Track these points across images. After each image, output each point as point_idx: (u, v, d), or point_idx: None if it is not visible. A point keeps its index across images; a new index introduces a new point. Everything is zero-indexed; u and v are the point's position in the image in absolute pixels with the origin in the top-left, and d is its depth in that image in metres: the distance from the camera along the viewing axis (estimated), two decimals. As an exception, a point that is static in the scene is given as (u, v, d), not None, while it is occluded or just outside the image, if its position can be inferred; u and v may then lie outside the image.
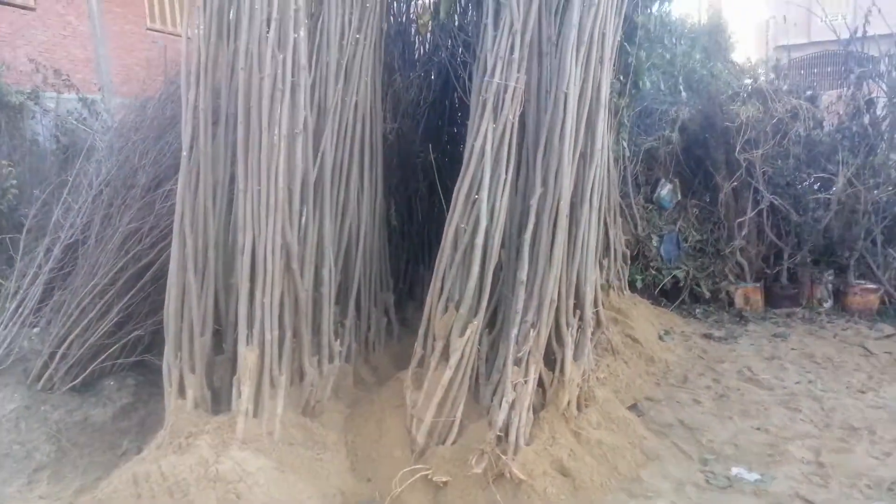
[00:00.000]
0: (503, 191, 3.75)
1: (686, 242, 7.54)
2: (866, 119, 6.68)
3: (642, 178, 7.75)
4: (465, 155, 3.80)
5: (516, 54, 3.67)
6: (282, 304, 3.48)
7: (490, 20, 3.82)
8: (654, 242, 7.48)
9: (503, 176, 3.74)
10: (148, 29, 11.88)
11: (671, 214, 7.67)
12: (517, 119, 3.76)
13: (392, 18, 5.64)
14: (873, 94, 6.97)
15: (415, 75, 5.70)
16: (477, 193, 3.73)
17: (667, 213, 7.68)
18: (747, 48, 28.23)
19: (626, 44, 5.53)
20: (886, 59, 6.86)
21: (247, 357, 3.31)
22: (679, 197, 7.69)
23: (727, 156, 7.21)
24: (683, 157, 7.62)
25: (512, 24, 3.67)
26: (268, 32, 3.22)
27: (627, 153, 7.19)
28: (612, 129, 6.21)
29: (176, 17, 12.25)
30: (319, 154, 3.83)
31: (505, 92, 3.69)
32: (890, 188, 6.83)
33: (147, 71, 9.61)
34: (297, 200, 3.53)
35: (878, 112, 6.82)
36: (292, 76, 3.41)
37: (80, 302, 4.17)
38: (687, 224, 7.63)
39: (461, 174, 3.78)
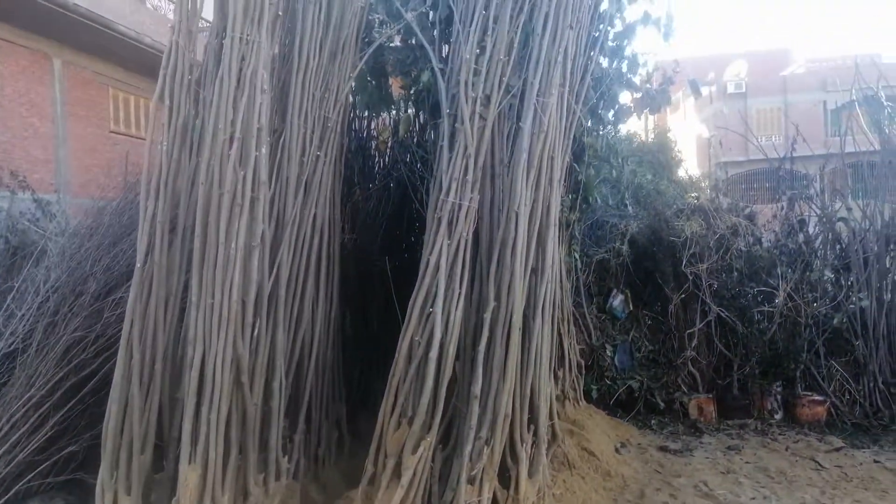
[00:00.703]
0: (457, 304, 3.81)
1: (639, 352, 7.66)
2: (800, 237, 7.08)
3: (595, 288, 7.95)
4: (421, 269, 3.87)
5: (470, 175, 3.85)
6: (228, 420, 3.38)
7: (446, 142, 4.02)
8: (609, 352, 7.58)
9: (457, 290, 3.81)
10: (111, 132, 12.04)
11: (624, 324, 7.82)
12: (471, 235, 3.88)
13: (353, 134, 5.86)
14: (804, 214, 7.43)
15: (374, 188, 5.87)
16: (432, 307, 3.78)
17: (620, 323, 7.83)
18: (691, 164, 30.03)
19: (575, 164, 5.81)
20: (816, 181, 7.41)
21: (188, 477, 3.17)
22: (631, 307, 7.88)
23: (675, 269, 7.48)
24: (634, 269, 7.87)
25: (466, 148, 3.87)
26: (230, 150, 3.32)
27: (580, 264, 7.40)
28: (563, 242, 6.42)
29: (140, 121, 12.48)
30: (275, 266, 3.86)
31: (459, 210, 3.83)
32: (827, 302, 7.16)
33: (108, 173, 9.66)
34: (250, 313, 3.52)
35: (811, 230, 7.24)
36: (252, 191, 3.49)
37: (11, 416, 3.96)
38: (639, 334, 7.77)
39: (416, 287, 3.84)
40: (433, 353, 3.66)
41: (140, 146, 10.46)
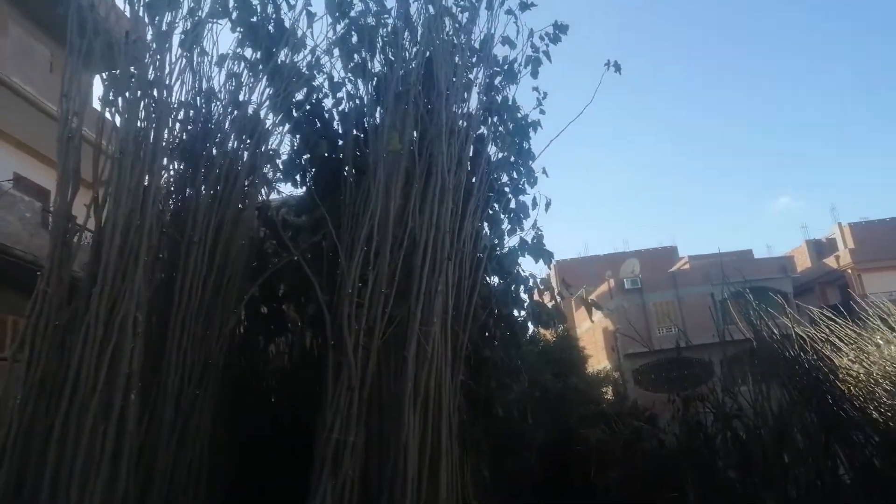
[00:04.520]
0: (345, 555, 3.51)
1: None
2: (700, 439, 7.19)
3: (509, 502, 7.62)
4: (305, 516, 3.60)
5: (354, 409, 3.76)
6: None
7: (330, 375, 3.97)
8: (527, 576, 7.08)
9: (344, 538, 3.53)
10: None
11: (541, 541, 7.43)
12: (357, 473, 3.69)
13: (243, 361, 5.70)
14: (700, 411, 7.63)
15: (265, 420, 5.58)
16: (315, 561, 3.46)
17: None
18: (602, 357, 30.99)
19: (471, 381, 5.82)
20: (715, 378, 7.69)
21: None
22: (546, 521, 7.55)
23: (585, 477, 7.35)
24: (546, 479, 7.67)
25: (350, 380, 3.82)
26: (90, 401, 3.11)
27: (488, 481, 7.13)
28: (468, 460, 6.22)
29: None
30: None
31: (344, 448, 3.68)
32: None
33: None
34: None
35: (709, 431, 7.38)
36: (114, 446, 3.23)
37: None
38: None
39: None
40: None
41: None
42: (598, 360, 30.26)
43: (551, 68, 7.13)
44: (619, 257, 37.90)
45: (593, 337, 32.46)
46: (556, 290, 7.03)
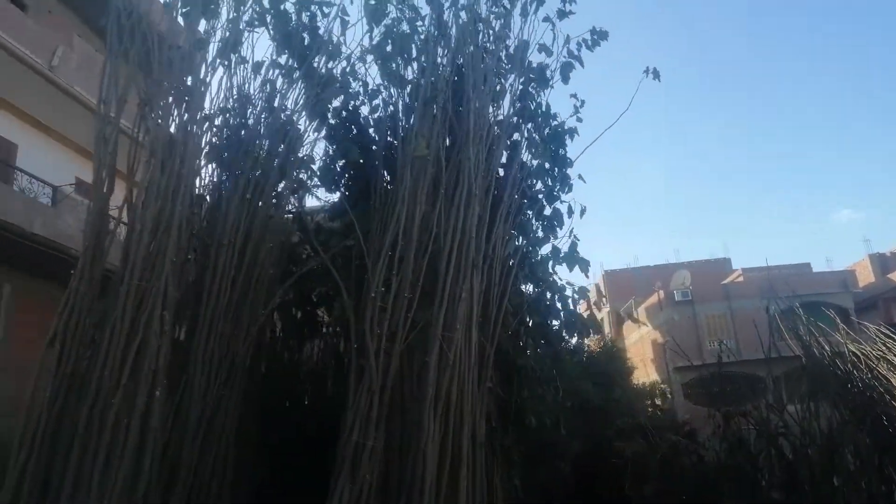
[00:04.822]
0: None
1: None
2: (741, 455, 6.94)
3: (541, 514, 7.50)
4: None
5: (374, 412, 3.77)
6: None
7: (353, 377, 3.99)
8: (558, 589, 6.95)
9: (360, 540, 3.54)
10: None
11: (574, 555, 7.29)
12: (375, 478, 3.70)
13: (276, 364, 5.79)
14: (744, 428, 7.36)
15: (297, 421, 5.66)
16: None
17: (570, 555, 7.30)
18: (650, 370, 30.32)
19: (500, 388, 5.77)
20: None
21: None
22: (580, 535, 7.41)
23: (619, 490, 7.17)
24: (578, 491, 7.53)
25: (371, 383, 3.83)
26: (113, 398, 3.21)
27: (520, 492, 7.04)
28: (498, 468, 6.16)
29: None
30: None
31: (363, 451, 3.69)
32: (781, 526, 6.82)
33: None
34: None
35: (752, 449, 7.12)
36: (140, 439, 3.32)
37: None
38: (591, 566, 7.22)
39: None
40: None
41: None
42: (647, 373, 29.61)
43: (589, 72, 7.04)
44: (670, 268, 37.03)
45: (642, 349, 31.80)
46: (592, 301, 6.92)
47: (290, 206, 5.55)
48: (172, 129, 3.94)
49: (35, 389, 3.33)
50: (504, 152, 5.81)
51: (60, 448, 3.23)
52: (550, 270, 6.47)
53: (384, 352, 3.91)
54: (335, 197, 6.10)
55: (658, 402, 19.10)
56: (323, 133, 5.84)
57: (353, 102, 6.08)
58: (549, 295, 6.64)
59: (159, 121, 3.78)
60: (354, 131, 6.00)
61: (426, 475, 3.70)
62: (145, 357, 3.36)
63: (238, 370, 4.16)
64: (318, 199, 6.60)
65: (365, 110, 6.11)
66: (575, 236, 6.33)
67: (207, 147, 4.54)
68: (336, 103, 5.97)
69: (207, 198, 4.50)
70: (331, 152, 5.88)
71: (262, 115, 4.92)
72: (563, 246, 6.37)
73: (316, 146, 6.05)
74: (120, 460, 3.16)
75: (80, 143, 11.43)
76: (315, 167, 5.88)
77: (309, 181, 6.13)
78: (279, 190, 4.78)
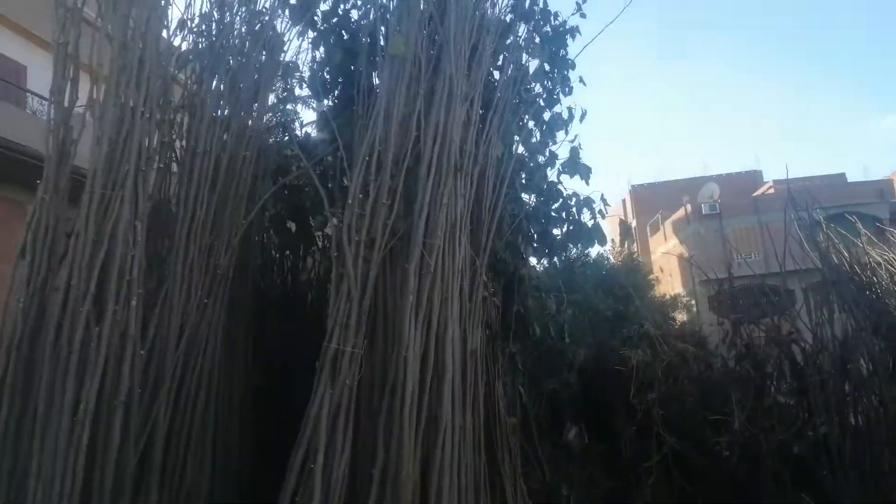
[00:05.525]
0: (341, 459, 3.55)
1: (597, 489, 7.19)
2: (748, 362, 6.87)
3: (548, 422, 7.60)
4: (303, 422, 3.65)
5: (353, 320, 3.72)
6: None
7: (333, 286, 3.93)
8: (564, 491, 7.11)
9: (340, 443, 3.57)
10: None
11: (580, 460, 7.40)
12: (355, 383, 3.69)
13: (272, 277, 5.80)
14: (754, 335, 7.26)
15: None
16: (313, 463, 3.52)
17: (576, 459, 7.42)
18: (676, 284, 30.18)
19: (494, 298, 5.70)
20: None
21: None
22: (586, 440, 7.50)
23: (625, 399, 7.20)
24: (585, 400, 7.57)
25: (349, 291, 3.77)
26: (82, 307, 3.20)
27: (525, 398, 7.11)
28: (499, 376, 6.19)
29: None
30: (150, 424, 3.62)
31: (342, 357, 3.67)
32: (786, 429, 6.81)
33: None
34: (109, 481, 3.24)
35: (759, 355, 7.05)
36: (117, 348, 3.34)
37: None
38: (596, 470, 7.34)
39: (297, 442, 3.59)
40: (311, 516, 3.35)
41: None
42: (672, 287, 29.49)
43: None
44: (699, 181, 36.16)
45: (668, 262, 31.54)
46: (597, 209, 6.72)
47: (275, 116, 5.40)
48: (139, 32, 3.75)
49: (8, 299, 3.35)
50: (501, 54, 5.51)
51: (37, 356, 3.26)
52: (555, 179, 6.28)
53: (363, 259, 3.83)
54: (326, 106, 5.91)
55: (680, 314, 19.07)
56: (310, 39, 5.60)
57: (342, 6, 5.79)
58: (552, 205, 6.48)
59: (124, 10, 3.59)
60: (345, 37, 5.73)
61: (407, 381, 3.69)
62: (114, 267, 3.33)
63: (220, 281, 4.13)
64: (313, 109, 6.42)
65: (356, 14, 5.82)
66: (579, 143, 6.09)
67: (180, 51, 4.36)
68: (325, 7, 5.69)
69: (184, 108, 4.35)
70: (318, 59, 5.65)
71: (239, 16, 4.69)
72: (565, 153, 6.15)
73: (304, 54, 5.82)
74: (95, 366, 3.18)
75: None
76: (300, 75, 5.68)
77: (298, 89, 5.94)
78: (258, 96, 4.61)
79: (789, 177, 33.49)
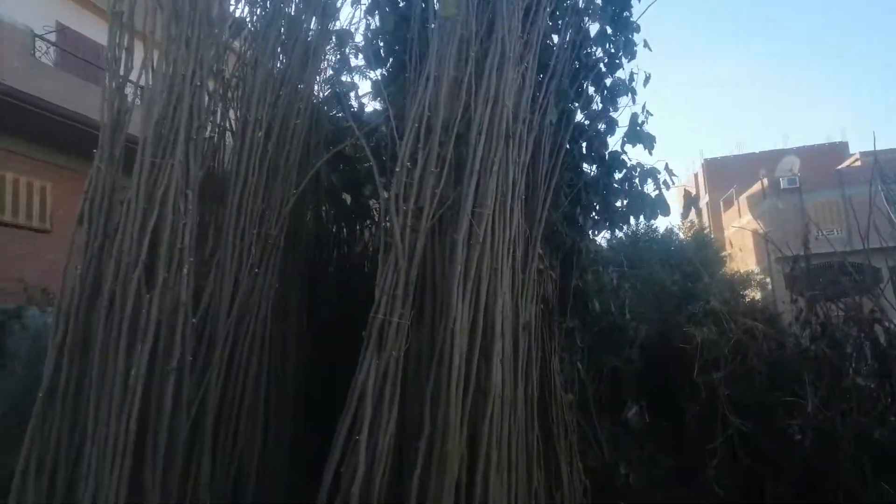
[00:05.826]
0: (386, 430, 3.52)
1: (658, 469, 6.98)
2: (824, 342, 6.47)
3: (607, 400, 7.41)
4: (350, 392, 3.63)
5: (400, 290, 3.66)
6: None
7: (381, 256, 3.88)
8: (622, 469, 6.94)
9: (386, 414, 3.53)
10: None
11: (640, 439, 7.20)
12: (402, 354, 3.64)
13: (330, 248, 5.81)
14: (832, 314, 6.83)
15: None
16: (358, 434, 3.50)
17: (636, 438, 7.22)
18: (750, 260, 28.99)
19: (551, 271, 5.54)
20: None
21: None
22: (647, 419, 7.28)
23: (689, 377, 6.93)
24: (647, 378, 7.34)
25: (397, 261, 3.71)
26: (133, 273, 3.26)
27: (584, 375, 6.94)
28: (556, 352, 6.05)
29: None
30: (202, 389, 3.69)
31: (389, 327, 3.62)
32: (866, 413, 6.40)
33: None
34: (162, 443, 3.31)
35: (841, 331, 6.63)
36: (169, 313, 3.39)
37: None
38: (658, 449, 7.13)
39: (343, 413, 3.58)
40: (355, 489, 3.34)
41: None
42: (746, 263, 28.32)
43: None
44: (778, 154, 34.38)
45: (742, 238, 30.25)
46: (662, 180, 6.41)
47: (330, 86, 5.36)
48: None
49: (68, 265, 3.44)
50: (560, 17, 5.28)
51: (93, 323, 3.34)
52: (619, 149, 6.02)
53: (411, 228, 3.75)
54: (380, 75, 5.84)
55: (754, 292, 18.28)
56: (364, 5, 5.52)
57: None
58: (614, 175, 6.23)
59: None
60: (400, 3, 5.62)
61: (454, 352, 3.61)
62: (165, 234, 3.37)
63: (272, 250, 4.15)
64: (369, 79, 6.35)
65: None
66: (643, 110, 5.80)
67: (234, 18, 4.36)
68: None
69: (232, 73, 4.35)
70: (372, 27, 5.57)
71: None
72: (631, 120, 5.87)
73: (360, 24, 5.76)
74: (145, 333, 3.24)
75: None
76: (358, 44, 5.61)
77: (354, 59, 5.88)
78: (309, 64, 4.56)
79: (878, 148, 31.46)
